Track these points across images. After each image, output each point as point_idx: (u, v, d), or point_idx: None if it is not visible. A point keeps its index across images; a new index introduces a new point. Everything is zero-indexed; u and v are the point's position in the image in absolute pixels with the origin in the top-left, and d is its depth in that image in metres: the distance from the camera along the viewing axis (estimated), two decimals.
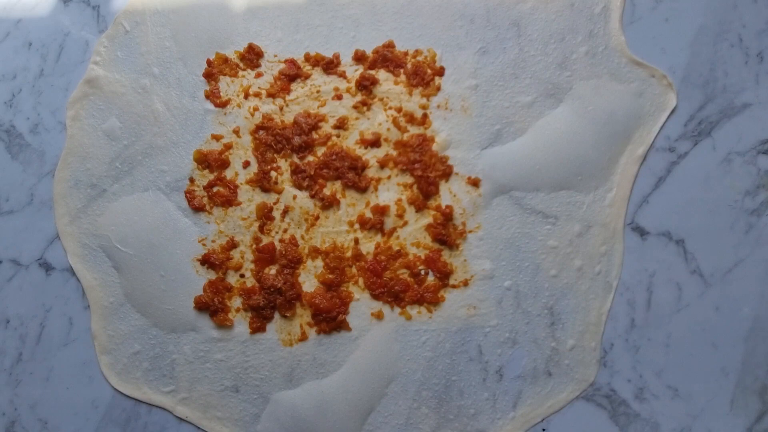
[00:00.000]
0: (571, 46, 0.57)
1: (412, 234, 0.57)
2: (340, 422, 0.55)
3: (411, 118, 0.58)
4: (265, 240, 0.57)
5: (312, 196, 0.57)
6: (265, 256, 0.57)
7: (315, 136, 0.58)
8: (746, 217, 0.55)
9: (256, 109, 0.59)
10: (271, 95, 0.59)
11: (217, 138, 0.59)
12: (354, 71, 0.59)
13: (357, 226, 0.57)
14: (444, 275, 0.56)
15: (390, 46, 0.59)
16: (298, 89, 0.59)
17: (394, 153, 0.58)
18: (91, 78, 0.61)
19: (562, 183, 0.56)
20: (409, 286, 0.56)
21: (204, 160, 0.58)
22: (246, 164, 0.58)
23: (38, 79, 0.62)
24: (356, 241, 0.57)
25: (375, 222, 0.57)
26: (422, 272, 0.56)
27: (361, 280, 0.56)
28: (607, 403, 0.54)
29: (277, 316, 0.57)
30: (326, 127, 0.58)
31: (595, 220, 0.56)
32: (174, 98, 0.60)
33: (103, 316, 0.58)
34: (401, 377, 0.55)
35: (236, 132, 0.59)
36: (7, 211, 0.61)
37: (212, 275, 0.57)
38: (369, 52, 0.59)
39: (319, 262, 0.57)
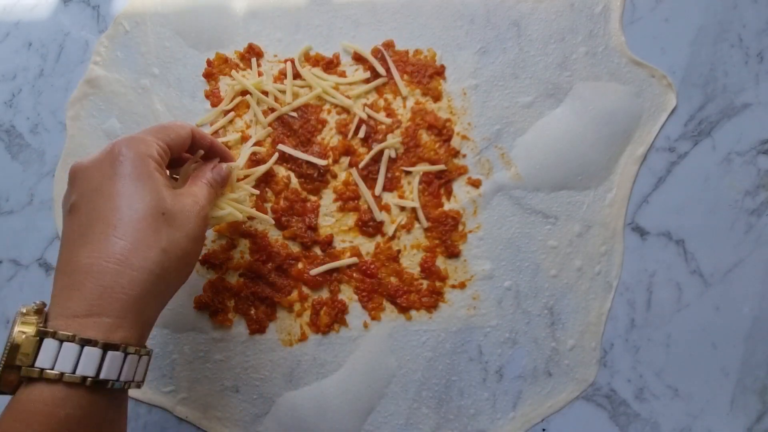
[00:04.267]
0: (571, 46, 0.58)
1: (413, 235, 0.57)
2: (340, 422, 0.55)
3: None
4: None
5: None
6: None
7: (318, 138, 0.58)
8: (746, 217, 0.55)
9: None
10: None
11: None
12: (354, 71, 0.59)
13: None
14: (441, 279, 0.56)
15: (390, 45, 0.59)
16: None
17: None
18: (91, 78, 0.61)
19: (562, 183, 0.56)
20: (406, 292, 0.56)
21: None
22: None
23: (38, 79, 0.62)
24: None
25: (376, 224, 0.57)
26: (420, 279, 0.56)
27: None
28: (607, 403, 0.54)
29: (277, 315, 0.57)
30: (326, 131, 0.58)
31: (595, 220, 0.56)
32: (174, 98, 0.60)
33: None
34: (401, 377, 0.55)
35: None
36: (7, 211, 0.61)
37: (212, 275, 0.57)
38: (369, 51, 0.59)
39: None
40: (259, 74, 0.59)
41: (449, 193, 0.57)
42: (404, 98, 0.58)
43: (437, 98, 0.58)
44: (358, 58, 0.59)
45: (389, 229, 0.56)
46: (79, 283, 0.36)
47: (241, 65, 0.60)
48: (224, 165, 0.48)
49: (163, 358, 0.57)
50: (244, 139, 0.58)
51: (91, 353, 0.34)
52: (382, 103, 0.58)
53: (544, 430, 0.54)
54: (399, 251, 0.56)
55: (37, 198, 0.61)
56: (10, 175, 0.62)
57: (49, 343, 0.34)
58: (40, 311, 0.36)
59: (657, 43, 0.57)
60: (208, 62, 0.60)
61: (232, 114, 0.59)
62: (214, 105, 0.59)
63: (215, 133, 0.59)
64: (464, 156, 0.57)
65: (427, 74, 0.58)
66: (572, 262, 0.56)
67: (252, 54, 0.59)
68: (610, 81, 0.57)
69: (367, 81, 0.58)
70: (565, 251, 0.56)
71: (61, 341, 0.34)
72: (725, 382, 0.54)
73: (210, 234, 0.58)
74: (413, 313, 0.56)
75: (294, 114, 0.58)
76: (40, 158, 0.61)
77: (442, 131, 0.57)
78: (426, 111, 0.57)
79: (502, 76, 0.58)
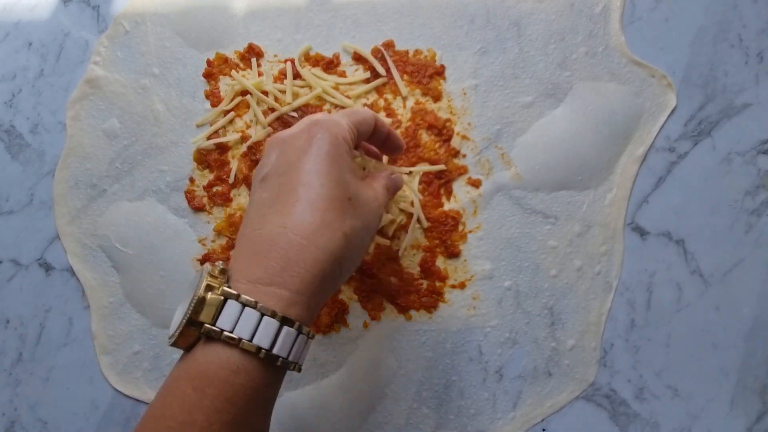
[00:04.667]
0: (571, 46, 0.58)
1: (412, 236, 0.57)
2: (340, 422, 0.55)
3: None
4: None
5: None
6: None
7: None
8: (746, 217, 0.55)
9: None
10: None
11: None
12: (354, 71, 0.59)
13: None
14: (440, 279, 0.56)
15: (390, 45, 0.59)
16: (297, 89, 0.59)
17: None
18: (91, 78, 0.61)
19: (562, 183, 0.56)
20: (406, 292, 0.56)
21: (204, 160, 0.59)
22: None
23: (38, 79, 0.62)
24: None
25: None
26: (420, 279, 0.56)
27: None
28: (607, 403, 0.54)
29: None
30: None
31: (595, 220, 0.56)
32: (174, 98, 0.60)
33: (103, 317, 0.58)
34: (401, 377, 0.55)
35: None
36: (7, 211, 0.61)
37: None
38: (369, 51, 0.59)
39: None
40: (259, 74, 0.59)
41: (449, 193, 0.57)
42: (404, 98, 0.58)
43: (437, 98, 0.58)
44: (358, 58, 0.59)
45: (389, 229, 0.56)
46: (264, 251, 0.35)
47: (241, 65, 0.60)
48: (395, 176, 0.47)
49: (163, 359, 0.57)
50: (244, 139, 0.58)
51: (269, 324, 0.34)
52: (382, 103, 0.58)
53: (544, 430, 0.54)
54: (399, 251, 0.56)
55: (37, 198, 0.61)
56: (10, 175, 0.62)
57: (231, 305, 0.34)
58: (224, 271, 0.36)
59: (657, 43, 0.57)
60: (208, 62, 0.60)
61: (232, 114, 0.59)
62: (214, 105, 0.59)
63: (215, 133, 0.59)
64: (464, 156, 0.57)
65: (427, 74, 0.58)
66: (572, 262, 0.56)
67: (252, 54, 0.59)
68: (610, 81, 0.57)
69: (367, 81, 0.58)
70: (565, 251, 0.56)
71: (243, 305, 0.34)
72: (725, 382, 0.54)
73: (210, 234, 0.58)
74: (413, 313, 0.56)
75: (294, 114, 0.58)
76: (40, 158, 0.61)
77: (442, 131, 0.57)
78: (426, 111, 0.57)
79: (502, 76, 0.58)
